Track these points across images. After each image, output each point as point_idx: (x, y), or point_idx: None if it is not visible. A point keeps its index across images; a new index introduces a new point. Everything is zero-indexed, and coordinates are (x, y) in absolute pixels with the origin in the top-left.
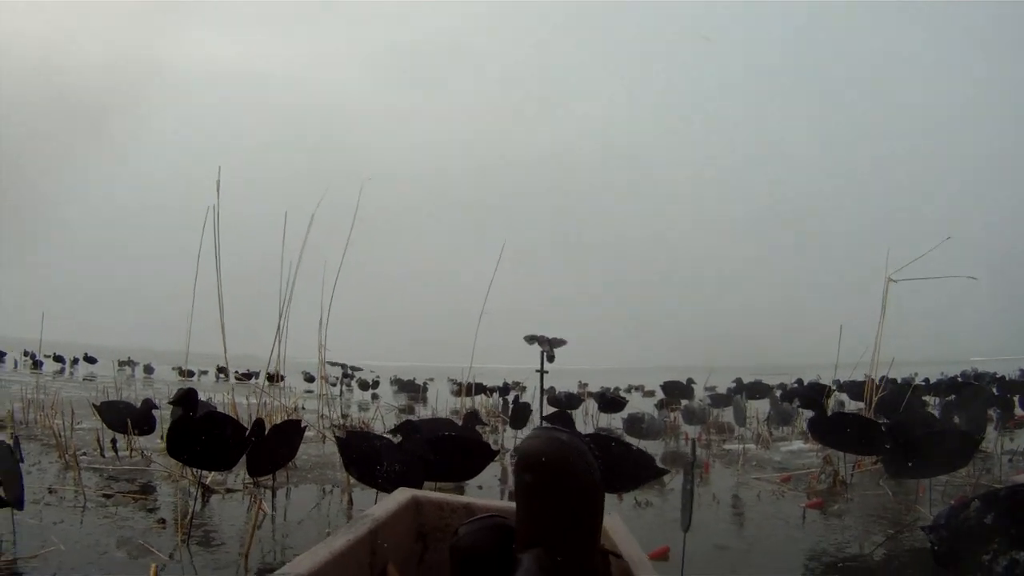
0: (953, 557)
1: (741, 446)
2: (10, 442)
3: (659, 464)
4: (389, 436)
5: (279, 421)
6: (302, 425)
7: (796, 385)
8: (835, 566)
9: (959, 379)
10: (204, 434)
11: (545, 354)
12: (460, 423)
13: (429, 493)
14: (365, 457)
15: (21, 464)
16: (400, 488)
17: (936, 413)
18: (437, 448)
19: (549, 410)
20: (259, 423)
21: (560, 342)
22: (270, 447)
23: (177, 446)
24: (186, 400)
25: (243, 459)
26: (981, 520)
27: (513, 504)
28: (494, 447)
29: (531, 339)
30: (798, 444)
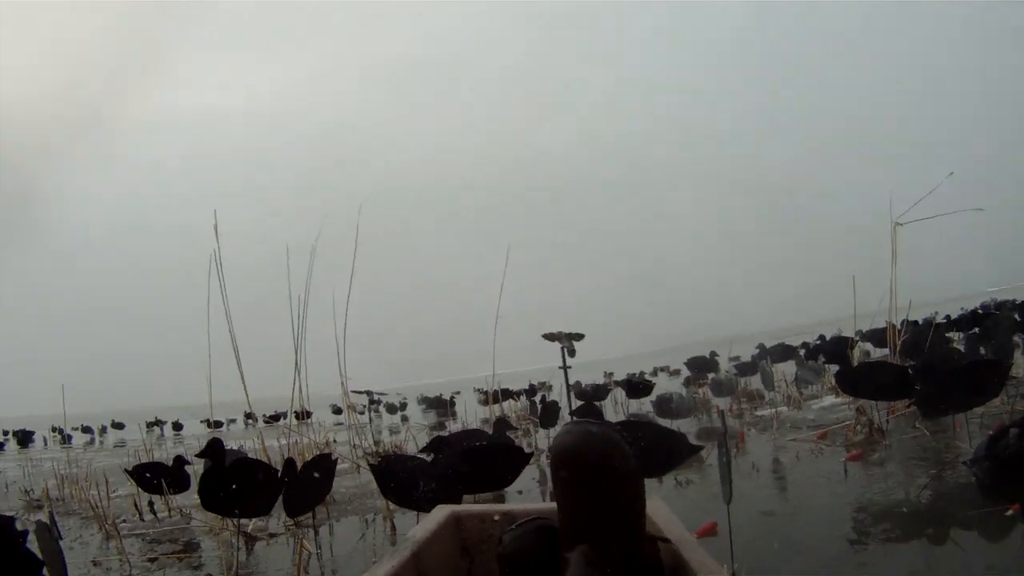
0: (999, 486)
1: (773, 410)
2: (47, 520)
3: (693, 441)
4: (422, 456)
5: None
6: (333, 457)
7: (819, 342)
8: (884, 514)
9: (980, 311)
10: (235, 482)
11: (565, 350)
12: (490, 431)
13: (467, 506)
14: (401, 480)
15: (60, 541)
16: (438, 506)
17: (961, 348)
18: (470, 460)
19: (577, 404)
20: (290, 462)
21: (578, 336)
22: (304, 485)
23: (210, 497)
24: (213, 451)
25: (280, 501)
26: (1022, 445)
27: (551, 505)
28: (527, 450)
29: (549, 337)
30: (829, 399)
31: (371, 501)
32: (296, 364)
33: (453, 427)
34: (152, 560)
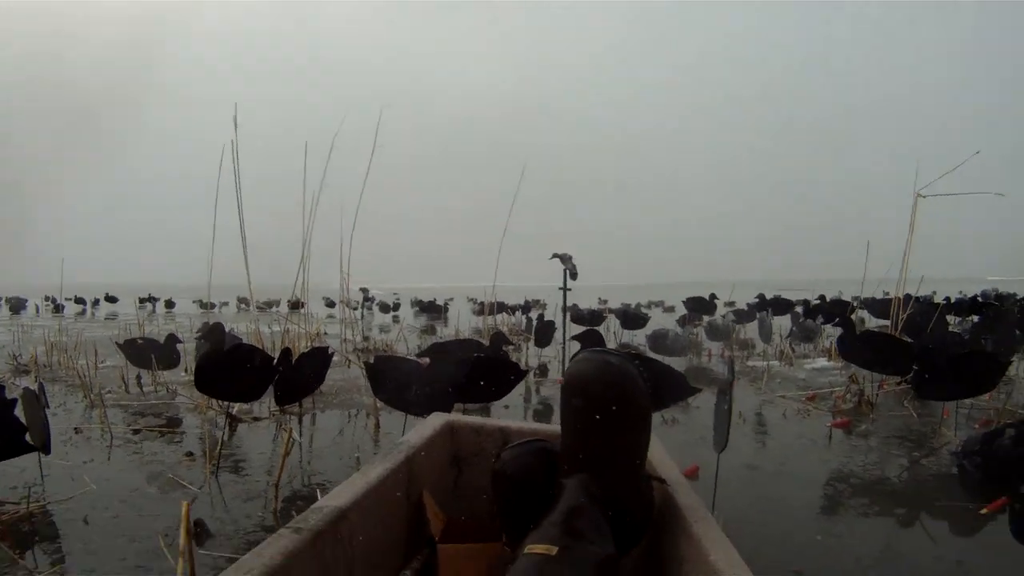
0: (986, 482)
1: (765, 363)
2: (34, 387)
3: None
4: (416, 359)
5: (303, 348)
6: (329, 352)
7: (819, 301)
8: (863, 488)
9: (979, 299)
10: (232, 367)
11: (568, 272)
12: (486, 343)
13: (464, 417)
14: (394, 382)
15: (47, 409)
16: (435, 413)
17: (960, 333)
18: (467, 370)
19: (572, 327)
20: (287, 352)
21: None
22: (298, 375)
23: (206, 380)
24: (213, 334)
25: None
26: (1018, 449)
27: (548, 427)
28: (521, 367)
29: (555, 256)
30: (822, 362)
31: (357, 397)
32: (303, 254)
33: (444, 333)
34: (136, 432)
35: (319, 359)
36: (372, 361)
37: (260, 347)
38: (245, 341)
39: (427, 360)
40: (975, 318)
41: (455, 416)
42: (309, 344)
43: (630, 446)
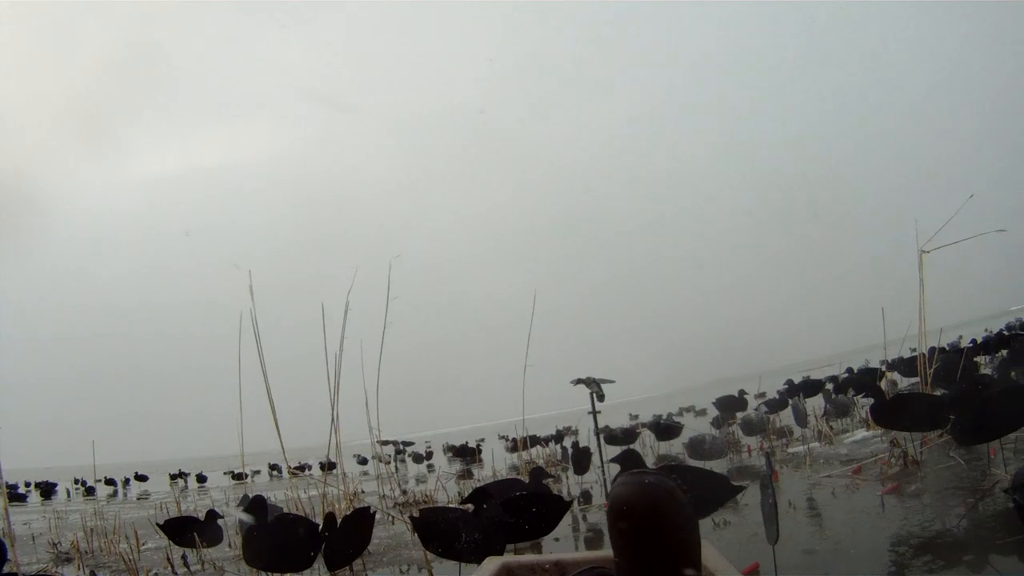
0: None
1: (805, 447)
2: None
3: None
4: (460, 507)
5: (344, 509)
6: (372, 511)
7: (847, 374)
8: (924, 546)
9: (1005, 332)
10: (279, 538)
11: (595, 395)
12: (523, 479)
13: (518, 557)
14: (443, 532)
15: None
16: (488, 558)
17: (991, 372)
18: (513, 510)
19: (607, 449)
20: (331, 517)
21: (608, 381)
22: (344, 538)
23: (254, 553)
24: (256, 507)
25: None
26: None
27: (602, 553)
28: (565, 498)
29: (579, 382)
30: (861, 433)
31: (406, 552)
32: (332, 416)
33: (481, 474)
34: None
35: (363, 520)
36: (418, 515)
37: (302, 514)
38: (285, 510)
39: (470, 507)
40: (1004, 353)
41: (508, 557)
42: (349, 505)
43: (681, 558)
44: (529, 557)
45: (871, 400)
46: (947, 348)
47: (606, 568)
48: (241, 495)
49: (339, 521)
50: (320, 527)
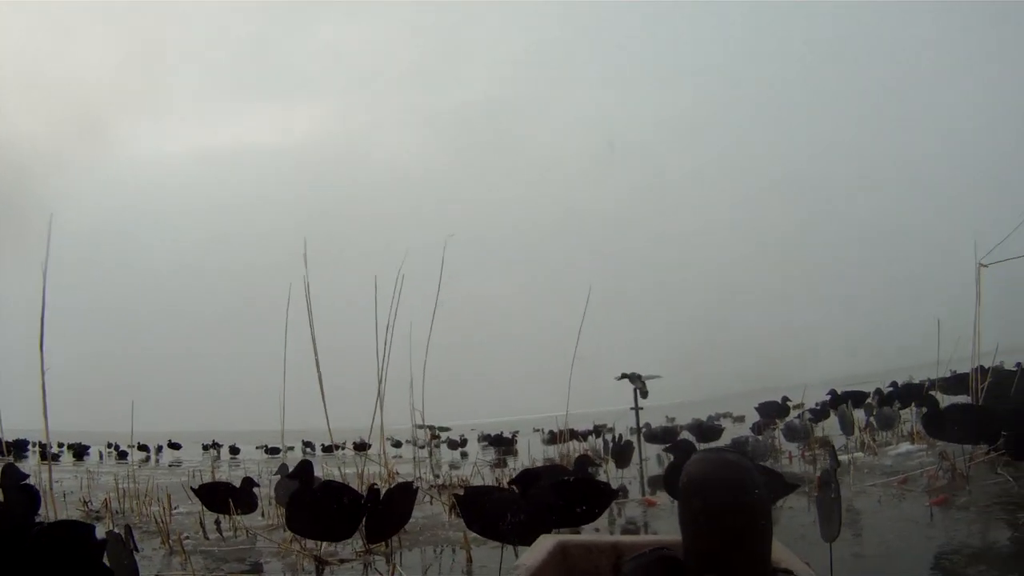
0: None
1: (848, 456)
2: (120, 531)
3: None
4: (510, 488)
5: (383, 485)
6: (415, 487)
7: (891, 388)
8: (977, 555)
9: None
10: (323, 504)
11: (639, 391)
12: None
13: (574, 537)
14: (487, 512)
15: (136, 553)
16: (542, 536)
17: None
18: (561, 494)
19: (646, 448)
20: (374, 489)
21: (654, 376)
22: (386, 512)
23: (297, 519)
24: (303, 472)
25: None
26: None
27: (664, 537)
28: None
29: (624, 377)
30: (906, 446)
31: (443, 532)
32: (379, 395)
33: (515, 465)
34: None
35: (405, 495)
36: (463, 493)
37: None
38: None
39: (517, 489)
40: None
41: (565, 536)
42: (389, 482)
43: (755, 541)
44: (584, 537)
45: (921, 410)
46: (1001, 365)
47: (671, 549)
48: (277, 466)
49: (382, 495)
50: (363, 499)
